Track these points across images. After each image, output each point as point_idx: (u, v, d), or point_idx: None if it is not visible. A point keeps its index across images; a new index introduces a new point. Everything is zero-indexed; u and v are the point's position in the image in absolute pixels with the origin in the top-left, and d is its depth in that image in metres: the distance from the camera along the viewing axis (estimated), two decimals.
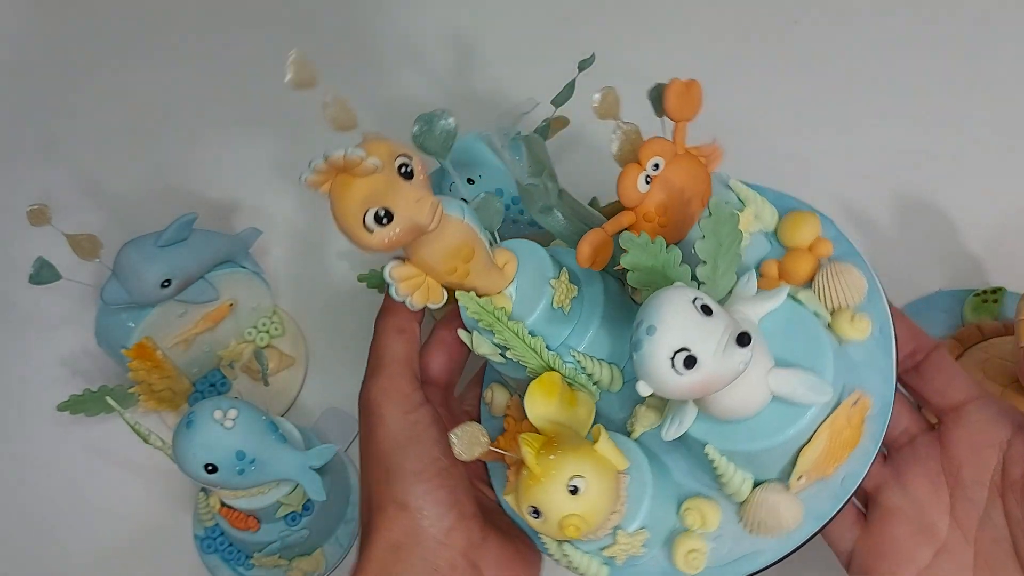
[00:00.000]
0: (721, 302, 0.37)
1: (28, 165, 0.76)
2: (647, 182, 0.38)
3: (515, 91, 0.76)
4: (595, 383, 0.43)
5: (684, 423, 0.37)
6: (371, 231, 0.36)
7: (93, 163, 0.76)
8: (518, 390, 0.46)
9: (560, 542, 0.40)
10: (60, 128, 0.78)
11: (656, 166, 0.38)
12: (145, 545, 0.60)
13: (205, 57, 0.82)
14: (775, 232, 0.45)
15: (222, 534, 0.58)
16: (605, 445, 0.38)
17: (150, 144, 0.77)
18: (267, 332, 0.65)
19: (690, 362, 0.33)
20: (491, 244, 0.41)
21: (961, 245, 0.68)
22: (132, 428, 0.51)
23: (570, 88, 0.59)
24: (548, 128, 0.60)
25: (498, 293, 0.42)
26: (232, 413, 0.48)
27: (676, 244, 0.38)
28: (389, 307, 0.46)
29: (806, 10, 0.81)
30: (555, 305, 0.41)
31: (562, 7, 0.83)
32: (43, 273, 0.55)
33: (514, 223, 0.58)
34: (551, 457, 0.37)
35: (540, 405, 0.40)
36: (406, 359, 0.44)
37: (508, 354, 0.41)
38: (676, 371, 0.33)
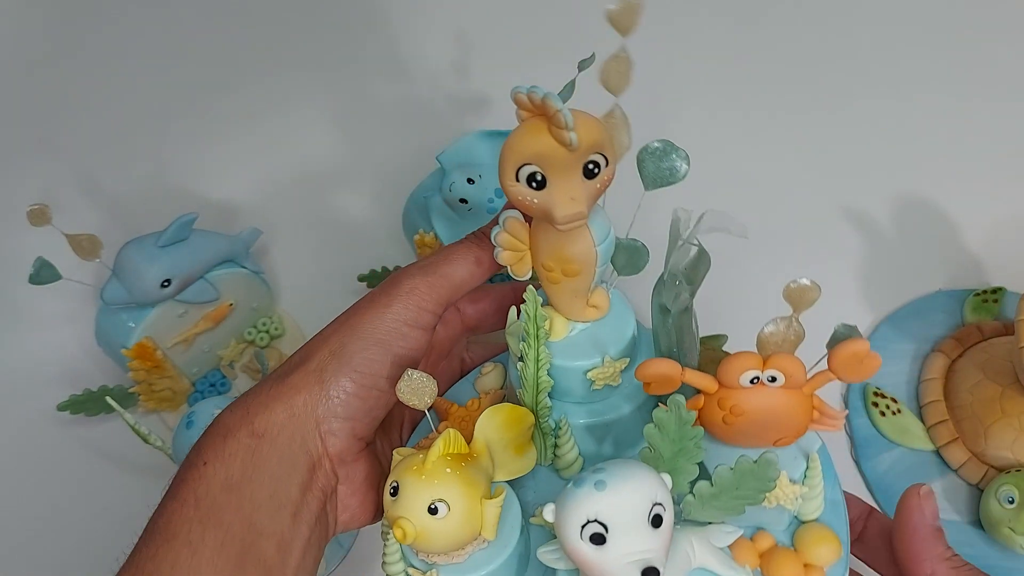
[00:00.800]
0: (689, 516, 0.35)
1: (28, 165, 0.76)
2: (752, 381, 0.35)
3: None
4: (553, 455, 0.42)
5: (556, 564, 0.35)
6: (516, 181, 0.35)
7: (93, 163, 0.76)
8: (506, 390, 0.45)
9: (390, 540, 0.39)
10: (60, 128, 0.78)
11: (773, 379, 0.35)
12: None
13: (205, 57, 0.82)
14: (797, 516, 0.40)
15: None
16: (491, 509, 0.37)
17: (150, 144, 0.77)
18: (267, 332, 0.65)
19: (597, 539, 0.31)
20: (603, 283, 0.41)
21: (961, 245, 0.68)
22: (132, 428, 0.51)
23: (570, 88, 0.59)
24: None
25: (564, 320, 0.41)
26: None
27: (724, 445, 0.37)
28: (485, 241, 0.44)
29: (813, 9, 0.81)
30: (588, 376, 0.41)
31: (562, 7, 0.83)
32: (43, 273, 0.55)
33: None
34: (447, 469, 0.36)
35: (493, 427, 0.39)
36: (459, 284, 0.43)
37: (519, 365, 0.40)
38: (579, 535, 0.31)
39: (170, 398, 0.62)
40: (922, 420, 0.60)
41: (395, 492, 0.36)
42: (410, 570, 0.38)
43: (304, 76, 0.79)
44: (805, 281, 0.34)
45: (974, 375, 0.59)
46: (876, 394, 0.61)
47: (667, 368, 0.35)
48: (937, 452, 0.59)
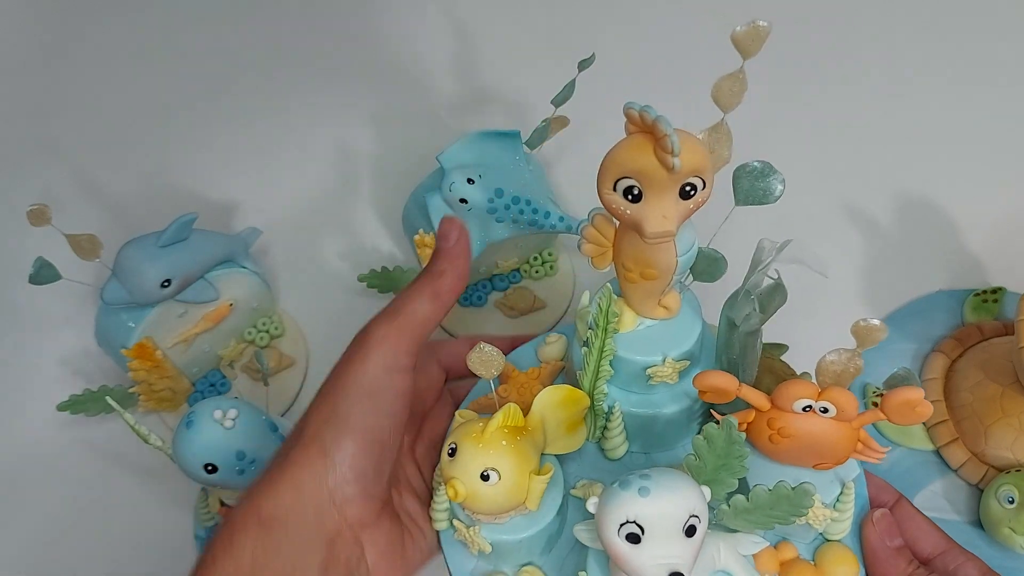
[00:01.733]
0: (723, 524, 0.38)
1: (28, 165, 0.76)
2: (804, 408, 0.38)
3: (515, 91, 0.76)
4: (601, 435, 0.45)
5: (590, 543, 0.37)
6: (613, 190, 0.37)
7: (93, 163, 0.76)
8: (566, 363, 0.48)
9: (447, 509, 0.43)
10: (60, 128, 0.78)
11: (825, 409, 0.37)
12: (145, 545, 0.60)
13: (205, 57, 0.82)
14: (822, 533, 0.43)
15: None
16: (537, 484, 0.40)
17: (150, 144, 0.77)
18: (267, 332, 0.65)
19: (632, 538, 0.33)
20: (678, 284, 0.42)
21: (961, 245, 0.68)
22: (132, 428, 0.51)
23: (570, 88, 0.59)
24: (548, 127, 0.60)
25: (633, 315, 0.43)
26: (232, 413, 0.48)
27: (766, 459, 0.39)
28: (438, 271, 0.44)
29: (814, 8, 0.81)
30: (647, 372, 0.43)
31: (562, 7, 0.83)
32: (43, 273, 0.55)
33: (514, 223, 0.58)
34: (503, 441, 0.39)
35: (550, 404, 0.42)
36: (423, 321, 0.43)
37: (583, 350, 0.42)
38: (617, 532, 0.33)
39: (170, 398, 0.62)
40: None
41: (452, 453, 0.40)
42: (455, 522, 0.42)
43: (304, 76, 0.79)
44: (875, 321, 0.36)
45: (974, 375, 0.59)
46: (876, 394, 0.61)
47: (725, 382, 0.38)
48: (937, 452, 0.59)
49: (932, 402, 0.58)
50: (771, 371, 0.47)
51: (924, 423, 0.59)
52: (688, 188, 0.37)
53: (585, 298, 0.45)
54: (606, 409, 0.44)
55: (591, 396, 0.43)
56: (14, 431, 0.64)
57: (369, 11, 0.83)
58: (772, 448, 0.39)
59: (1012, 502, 0.53)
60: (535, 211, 0.58)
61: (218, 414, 0.48)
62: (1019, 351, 0.52)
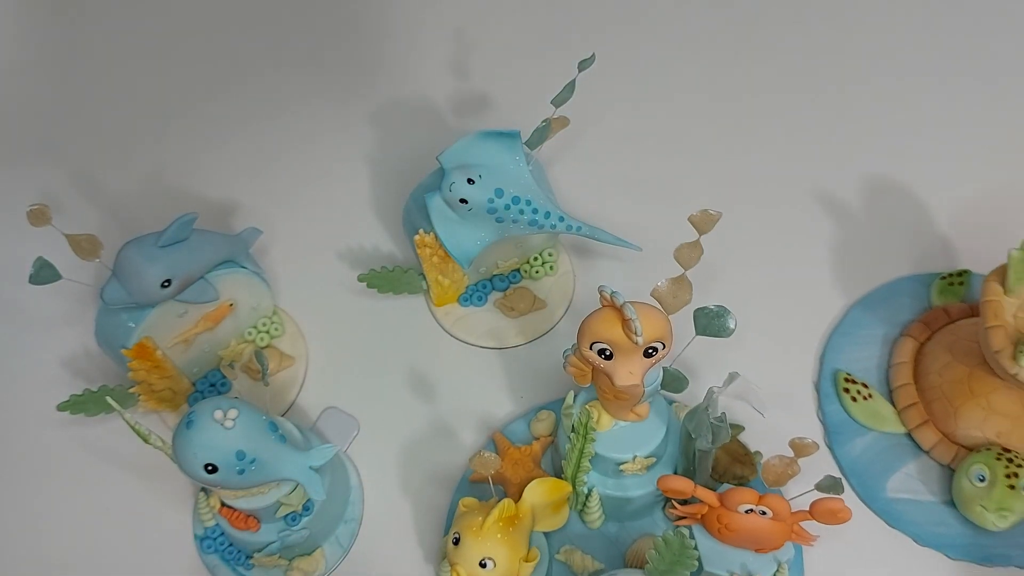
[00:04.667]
0: None
1: (28, 165, 0.76)
2: (747, 511, 0.46)
3: (515, 91, 0.76)
4: (582, 508, 0.56)
5: None
6: (590, 349, 0.46)
7: (93, 163, 0.76)
8: (554, 437, 0.59)
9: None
10: (60, 128, 0.78)
11: (764, 512, 0.46)
12: (145, 544, 0.60)
13: (205, 57, 0.82)
14: None
15: (222, 534, 0.58)
16: (526, 569, 0.50)
17: (150, 144, 0.77)
18: (267, 332, 0.65)
19: None
20: (648, 397, 0.50)
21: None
22: (132, 428, 0.51)
23: (570, 88, 0.59)
24: (548, 128, 0.60)
25: (610, 418, 0.53)
26: (232, 413, 0.48)
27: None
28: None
29: (800, 8, 0.81)
30: (620, 468, 0.53)
31: (562, 8, 0.83)
32: (43, 273, 0.55)
33: (514, 223, 0.58)
34: (498, 535, 0.49)
35: (538, 494, 0.52)
36: None
37: (566, 446, 0.53)
38: None
39: (170, 398, 0.62)
40: (893, 404, 0.61)
41: (457, 542, 0.50)
42: None
43: (304, 76, 0.79)
44: (808, 440, 0.45)
45: (942, 357, 0.60)
46: (847, 380, 0.62)
47: (682, 485, 0.47)
48: (909, 435, 0.60)
49: (902, 386, 0.60)
50: (727, 451, 0.56)
51: (895, 407, 0.60)
52: (650, 350, 0.46)
53: (569, 398, 0.53)
54: (585, 492, 0.54)
55: (573, 484, 0.54)
56: (14, 431, 0.64)
57: (369, 11, 0.83)
58: (721, 535, 0.48)
59: (983, 480, 0.55)
60: (535, 211, 0.58)
61: (218, 414, 0.48)
62: (985, 331, 0.53)
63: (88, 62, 0.82)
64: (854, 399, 0.61)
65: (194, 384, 0.64)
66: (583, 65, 0.58)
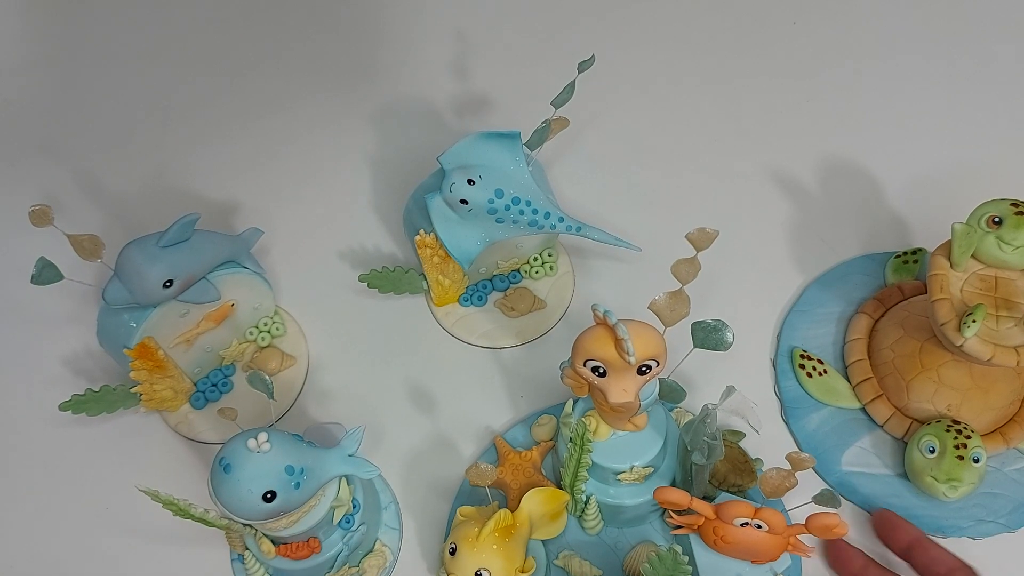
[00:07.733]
0: None
1: (30, 165, 0.76)
2: (743, 524, 0.47)
3: (515, 92, 0.76)
4: (581, 514, 0.56)
5: None
6: (584, 366, 0.46)
7: (95, 163, 0.76)
8: (555, 442, 0.59)
9: None
10: (62, 128, 0.79)
11: (760, 525, 0.46)
12: (145, 545, 0.60)
13: (207, 57, 0.82)
14: None
15: None
16: None
17: (152, 144, 0.77)
18: (268, 332, 0.65)
19: None
20: (645, 409, 0.50)
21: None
22: (197, 518, 0.50)
23: (570, 89, 0.59)
24: (548, 129, 0.61)
25: (608, 427, 0.53)
26: (262, 437, 0.47)
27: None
28: None
29: (798, 9, 0.81)
30: (619, 477, 0.53)
31: (562, 8, 0.83)
32: (45, 273, 0.55)
33: (514, 223, 0.59)
34: (494, 546, 0.49)
35: (536, 502, 0.52)
36: None
37: (564, 454, 0.53)
38: None
39: (171, 398, 0.62)
40: (848, 379, 0.62)
41: (453, 552, 0.49)
42: None
43: (306, 77, 0.80)
44: (804, 455, 0.45)
45: (894, 333, 0.60)
46: (803, 356, 0.63)
47: (678, 498, 0.47)
48: (863, 409, 0.61)
49: (857, 361, 0.62)
50: (727, 458, 0.57)
51: (850, 382, 0.61)
52: (644, 368, 0.46)
53: (568, 407, 0.54)
54: (583, 500, 0.55)
55: (571, 492, 0.54)
56: (15, 431, 0.64)
57: (369, 12, 0.84)
58: (717, 547, 0.48)
59: (933, 452, 0.56)
60: (535, 211, 0.59)
61: (251, 443, 0.46)
62: (932, 304, 0.54)
63: (90, 62, 0.82)
64: (809, 375, 0.62)
65: (196, 384, 0.64)
66: (583, 66, 0.58)
